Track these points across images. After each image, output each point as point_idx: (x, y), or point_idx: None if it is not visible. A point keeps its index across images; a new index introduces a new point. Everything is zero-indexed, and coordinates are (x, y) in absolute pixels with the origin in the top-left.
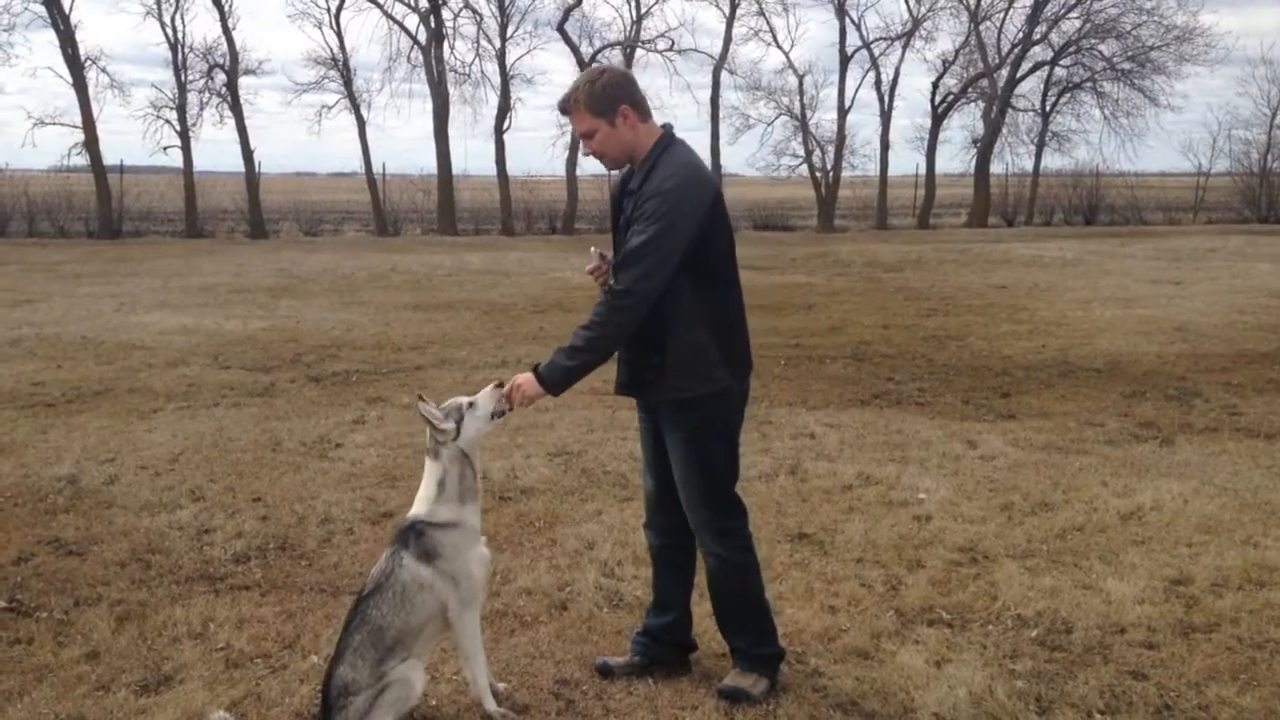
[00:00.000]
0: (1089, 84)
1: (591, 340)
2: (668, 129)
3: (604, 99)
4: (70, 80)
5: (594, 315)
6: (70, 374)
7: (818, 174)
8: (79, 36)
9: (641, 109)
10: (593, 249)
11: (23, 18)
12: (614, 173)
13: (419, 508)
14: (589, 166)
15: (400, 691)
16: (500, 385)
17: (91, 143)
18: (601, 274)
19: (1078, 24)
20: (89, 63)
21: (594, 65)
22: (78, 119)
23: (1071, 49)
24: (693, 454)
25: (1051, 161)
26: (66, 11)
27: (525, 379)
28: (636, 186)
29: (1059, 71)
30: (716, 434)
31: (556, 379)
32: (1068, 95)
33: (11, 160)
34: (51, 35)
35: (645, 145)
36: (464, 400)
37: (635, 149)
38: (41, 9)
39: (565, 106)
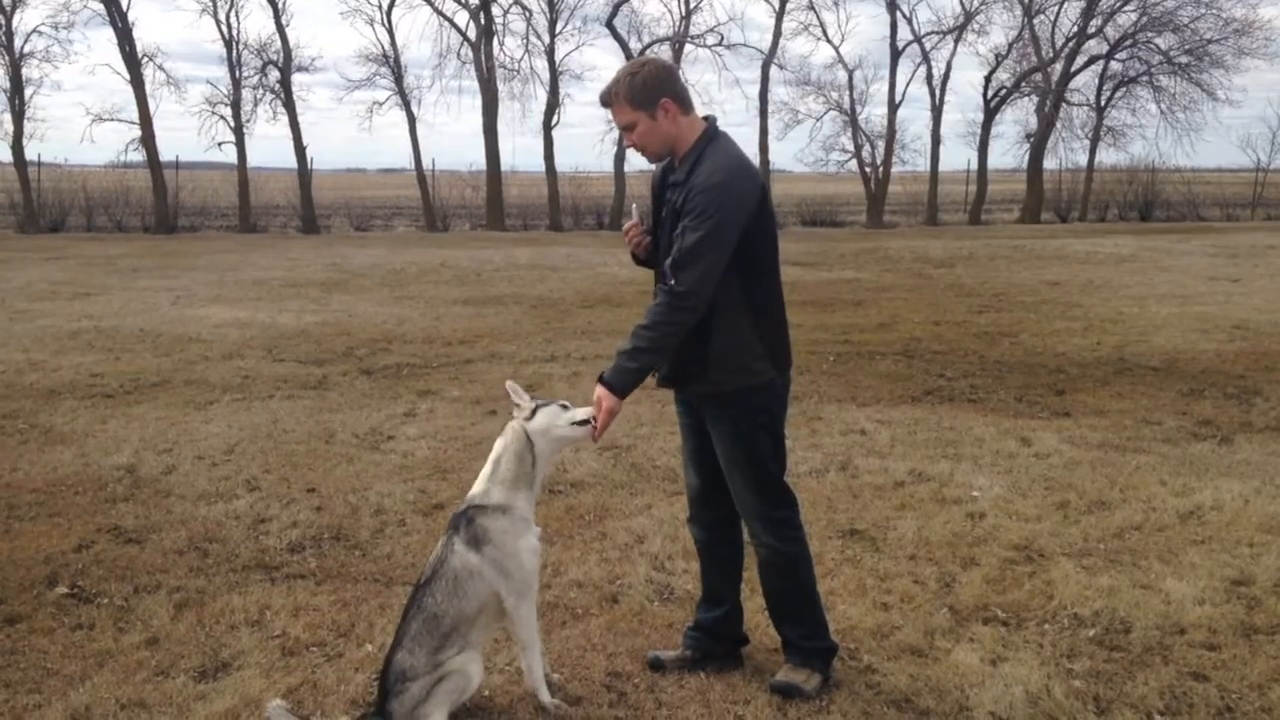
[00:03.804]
0: (1145, 78)
1: (653, 339)
2: (711, 121)
3: (645, 92)
4: (128, 77)
5: (654, 314)
6: (128, 366)
7: (867, 169)
8: (136, 34)
9: (683, 102)
10: (634, 205)
11: (82, 15)
12: (654, 166)
13: (475, 488)
14: (637, 162)
15: (458, 682)
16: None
17: (148, 139)
18: (635, 235)
19: (1134, 17)
20: (146, 60)
21: (636, 58)
22: (135, 115)
23: (1127, 43)
24: (739, 445)
25: (1106, 157)
26: (124, 9)
27: (600, 393)
28: (682, 179)
29: (1114, 65)
30: (760, 424)
31: (625, 382)
32: (1123, 89)
33: (70, 156)
34: (110, 33)
35: (688, 138)
36: (562, 401)
37: (677, 142)
38: (100, 7)
39: (606, 99)
